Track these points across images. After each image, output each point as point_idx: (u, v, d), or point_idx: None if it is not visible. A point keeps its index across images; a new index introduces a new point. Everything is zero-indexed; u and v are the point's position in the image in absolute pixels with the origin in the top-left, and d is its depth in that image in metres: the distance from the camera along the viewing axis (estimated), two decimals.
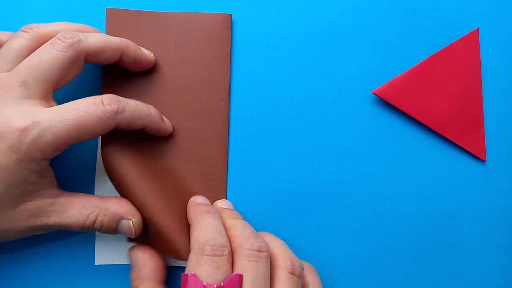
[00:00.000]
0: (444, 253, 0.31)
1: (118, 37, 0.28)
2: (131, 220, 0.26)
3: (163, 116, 0.29)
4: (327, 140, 0.31)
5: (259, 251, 0.24)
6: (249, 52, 0.32)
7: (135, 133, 0.29)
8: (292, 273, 0.25)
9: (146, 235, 0.28)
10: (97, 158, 0.30)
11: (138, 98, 0.29)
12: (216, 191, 0.30)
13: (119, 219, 0.26)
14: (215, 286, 0.22)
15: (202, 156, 0.30)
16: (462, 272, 0.31)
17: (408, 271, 0.31)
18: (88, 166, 0.30)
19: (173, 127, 0.30)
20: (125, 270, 0.29)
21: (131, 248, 0.28)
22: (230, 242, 0.25)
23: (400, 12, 0.33)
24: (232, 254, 0.24)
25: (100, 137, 0.30)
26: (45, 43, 0.25)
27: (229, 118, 0.31)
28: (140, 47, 0.30)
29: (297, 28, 0.32)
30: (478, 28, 0.33)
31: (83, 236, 0.29)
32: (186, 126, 0.30)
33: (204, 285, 0.22)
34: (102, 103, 0.25)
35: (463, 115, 0.32)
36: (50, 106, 0.25)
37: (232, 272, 0.23)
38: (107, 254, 0.29)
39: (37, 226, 0.25)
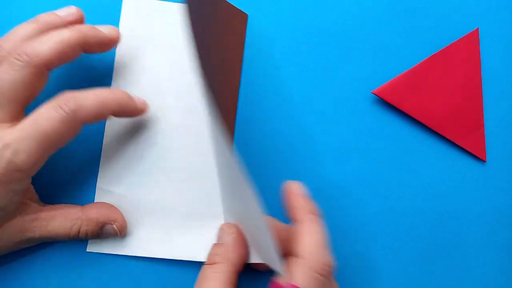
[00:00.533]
0: (444, 253, 0.31)
1: (75, 31, 0.26)
2: (115, 225, 0.27)
3: (132, 96, 0.28)
4: (327, 140, 0.31)
5: (323, 276, 0.23)
6: (249, 51, 0.32)
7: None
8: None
9: None
10: (102, 145, 0.30)
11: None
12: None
13: (102, 226, 0.27)
14: None
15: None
16: (462, 272, 0.31)
17: (408, 271, 0.31)
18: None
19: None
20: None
21: (226, 224, 0.27)
22: (296, 239, 0.24)
23: (400, 12, 0.33)
24: (294, 255, 0.23)
25: (106, 122, 0.30)
26: (3, 63, 0.24)
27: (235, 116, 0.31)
28: (100, 27, 0.27)
29: (297, 28, 0.32)
30: (478, 28, 0.33)
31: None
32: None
33: None
34: (59, 105, 0.24)
35: (463, 115, 0.32)
36: (17, 123, 0.24)
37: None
38: (100, 242, 0.29)
39: (22, 241, 0.25)
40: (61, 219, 0.26)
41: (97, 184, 0.30)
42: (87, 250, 0.29)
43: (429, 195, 0.32)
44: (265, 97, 0.32)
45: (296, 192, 0.26)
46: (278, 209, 0.31)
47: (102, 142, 0.30)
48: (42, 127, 0.23)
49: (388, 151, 0.32)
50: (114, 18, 0.31)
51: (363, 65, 0.32)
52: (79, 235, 0.26)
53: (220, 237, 0.27)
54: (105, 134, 0.30)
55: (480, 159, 0.32)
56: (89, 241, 0.29)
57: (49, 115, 0.23)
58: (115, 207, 0.29)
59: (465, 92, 0.32)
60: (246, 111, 0.31)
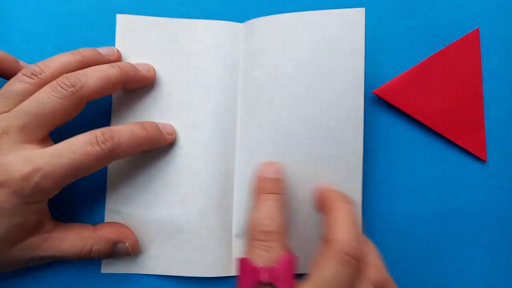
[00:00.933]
0: (444, 253, 0.31)
1: (116, 68, 0.27)
2: (127, 242, 0.28)
3: (160, 124, 0.29)
4: None
5: (355, 258, 0.22)
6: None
7: None
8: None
9: None
10: None
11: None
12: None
13: (114, 244, 0.27)
14: (265, 267, 0.22)
15: None
16: (462, 272, 0.31)
17: (408, 271, 0.31)
18: None
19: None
20: (131, 279, 0.30)
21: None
22: (329, 228, 0.23)
23: (400, 12, 0.33)
24: (326, 242, 0.23)
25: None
26: (46, 87, 0.25)
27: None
28: (138, 65, 0.29)
29: None
30: (478, 28, 0.33)
31: None
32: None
33: (254, 268, 0.22)
34: (97, 141, 0.24)
35: (464, 115, 0.32)
36: (48, 145, 0.25)
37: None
38: (114, 262, 0.29)
39: (34, 259, 0.25)
40: (73, 239, 0.26)
41: (106, 205, 0.30)
42: (102, 271, 0.29)
43: (429, 195, 0.32)
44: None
45: (327, 187, 0.27)
46: None
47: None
48: (79, 160, 0.24)
49: (388, 150, 0.32)
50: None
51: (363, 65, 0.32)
52: (91, 254, 0.27)
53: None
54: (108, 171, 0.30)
55: (480, 159, 0.32)
56: (103, 262, 0.29)
57: (86, 149, 0.24)
58: (126, 226, 0.29)
59: (465, 91, 0.32)
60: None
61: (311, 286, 0.21)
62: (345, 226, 0.23)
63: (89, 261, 0.29)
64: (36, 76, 0.25)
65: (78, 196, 0.30)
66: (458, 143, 0.32)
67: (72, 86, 0.25)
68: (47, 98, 0.24)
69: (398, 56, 0.32)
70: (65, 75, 0.26)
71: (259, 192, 0.26)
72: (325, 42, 0.29)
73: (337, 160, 0.28)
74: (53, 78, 0.26)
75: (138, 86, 0.30)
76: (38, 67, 0.26)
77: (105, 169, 0.30)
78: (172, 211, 0.30)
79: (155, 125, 0.28)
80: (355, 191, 0.28)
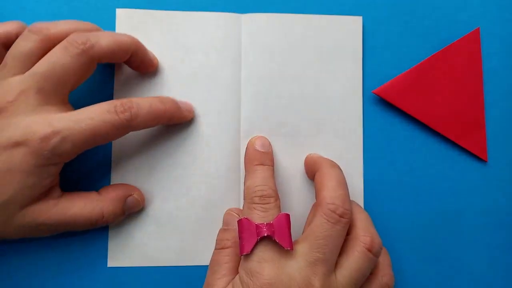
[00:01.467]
0: (445, 253, 0.31)
1: (128, 37, 0.28)
2: (135, 194, 0.28)
3: (180, 103, 0.29)
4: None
5: (340, 216, 0.25)
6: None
7: None
8: (369, 250, 0.25)
9: None
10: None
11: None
12: None
13: (123, 200, 0.28)
14: (265, 223, 0.24)
15: None
16: (462, 272, 0.31)
17: (408, 271, 0.31)
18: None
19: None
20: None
21: (230, 209, 0.29)
22: (317, 190, 0.27)
23: (400, 12, 0.33)
24: (315, 205, 0.26)
25: None
26: (57, 47, 0.25)
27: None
28: (147, 50, 0.30)
29: None
30: (479, 27, 0.33)
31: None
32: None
33: (255, 225, 0.24)
34: (116, 111, 0.25)
35: (464, 115, 0.32)
36: (67, 110, 0.25)
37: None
38: (120, 256, 0.30)
39: (42, 226, 0.25)
40: (81, 204, 0.26)
41: None
42: (108, 265, 0.29)
43: (430, 195, 0.32)
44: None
45: (317, 155, 0.30)
46: None
47: (111, 158, 0.30)
48: (98, 127, 0.24)
49: (388, 151, 0.32)
50: (109, 30, 0.31)
51: (364, 65, 0.32)
52: (104, 218, 0.27)
53: (227, 222, 0.28)
54: (113, 149, 0.30)
55: (481, 159, 0.32)
56: (109, 256, 0.29)
57: (105, 117, 0.24)
58: (127, 184, 0.29)
59: (466, 91, 0.32)
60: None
61: (303, 241, 0.24)
62: (330, 186, 0.26)
63: (95, 255, 0.29)
64: (41, 32, 0.25)
65: (82, 187, 0.30)
66: (459, 143, 0.32)
67: (83, 43, 0.25)
68: (60, 58, 0.25)
69: (398, 56, 0.32)
70: (75, 33, 0.26)
71: (251, 163, 0.28)
72: (328, 44, 0.31)
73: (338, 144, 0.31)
74: (61, 36, 0.26)
75: (141, 68, 0.30)
76: (45, 23, 0.26)
77: (110, 162, 0.30)
78: (178, 203, 0.30)
79: (174, 101, 0.29)
80: (356, 166, 0.31)
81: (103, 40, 0.26)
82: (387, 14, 0.33)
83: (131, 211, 0.29)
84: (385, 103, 0.32)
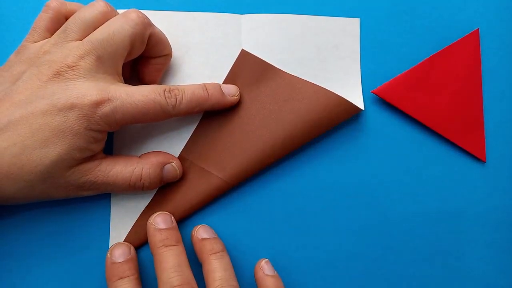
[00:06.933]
0: (444, 253, 0.31)
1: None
2: (173, 163, 0.29)
3: (224, 88, 0.30)
4: (327, 139, 0.32)
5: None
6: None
7: None
8: None
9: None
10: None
11: None
12: None
13: (162, 166, 0.28)
14: None
15: None
16: (462, 272, 0.31)
17: (408, 271, 0.31)
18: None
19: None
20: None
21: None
22: (206, 279, 0.26)
23: (400, 12, 0.33)
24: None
25: None
26: (117, 16, 0.26)
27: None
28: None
29: None
30: (478, 28, 0.33)
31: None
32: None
33: None
34: (164, 95, 0.26)
35: (463, 115, 0.32)
36: (120, 81, 0.27)
37: None
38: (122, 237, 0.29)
39: (85, 185, 0.26)
40: (123, 164, 0.27)
41: (111, 197, 0.30)
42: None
43: (429, 195, 0.32)
44: None
45: (199, 237, 0.28)
46: (278, 209, 0.31)
47: (112, 154, 0.30)
48: (148, 105, 0.26)
49: (388, 151, 0.32)
50: None
51: (363, 65, 0.32)
52: (142, 180, 0.27)
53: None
54: (114, 147, 0.30)
55: (479, 159, 0.32)
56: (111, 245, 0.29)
57: (155, 97, 0.26)
58: (167, 152, 0.30)
59: (465, 92, 0.32)
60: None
61: None
62: (214, 279, 0.26)
63: (98, 245, 0.29)
64: (108, 6, 0.27)
65: None
66: (458, 143, 0.32)
67: (143, 17, 0.26)
68: (119, 26, 0.26)
69: (398, 56, 0.32)
70: (134, 9, 0.27)
71: (157, 246, 0.27)
72: (327, 45, 0.32)
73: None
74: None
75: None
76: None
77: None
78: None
79: (218, 87, 0.29)
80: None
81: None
82: (387, 13, 0.33)
83: (168, 178, 0.29)
84: (385, 103, 0.32)
